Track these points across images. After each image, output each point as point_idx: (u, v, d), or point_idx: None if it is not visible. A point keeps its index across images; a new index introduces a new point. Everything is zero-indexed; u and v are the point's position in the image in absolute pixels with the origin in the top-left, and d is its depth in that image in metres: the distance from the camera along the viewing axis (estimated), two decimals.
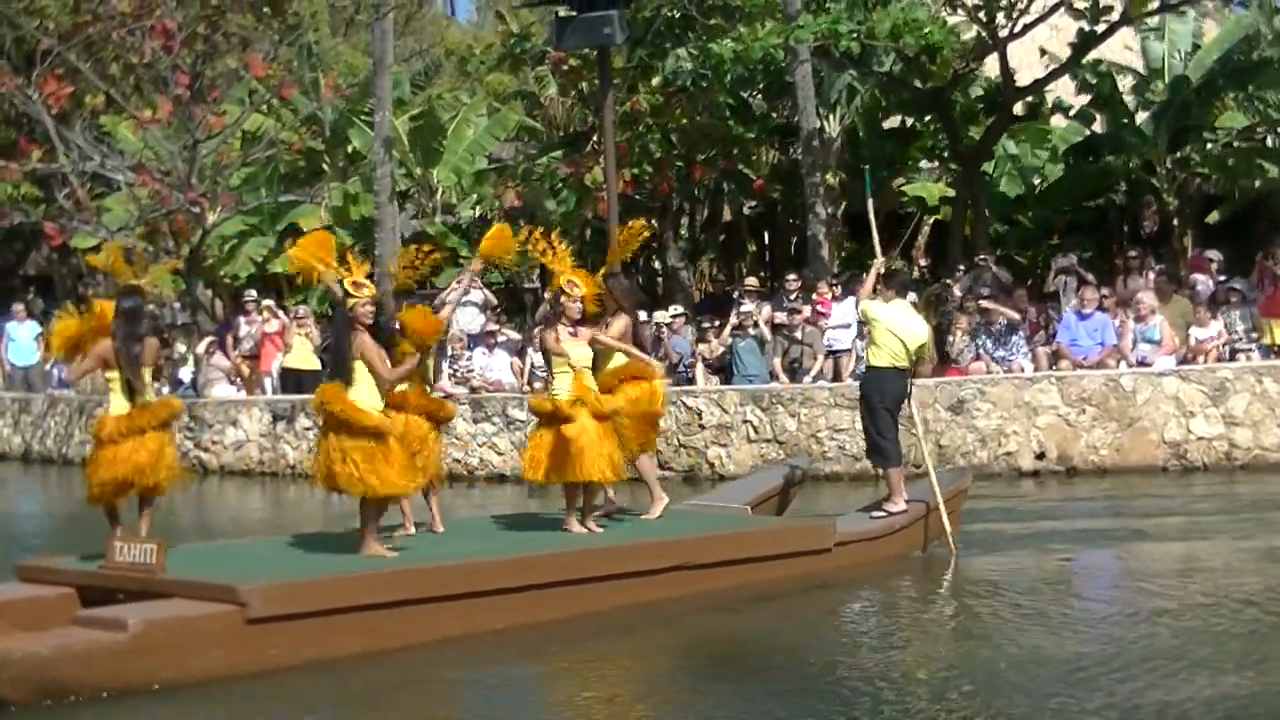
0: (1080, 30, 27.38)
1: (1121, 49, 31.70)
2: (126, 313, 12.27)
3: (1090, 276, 23.91)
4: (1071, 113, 31.36)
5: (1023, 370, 21.64)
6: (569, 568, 12.41)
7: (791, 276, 25.57)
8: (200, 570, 11.40)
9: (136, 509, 12.47)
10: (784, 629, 12.26)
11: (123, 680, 10.07)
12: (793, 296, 24.51)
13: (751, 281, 26.86)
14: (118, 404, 12.22)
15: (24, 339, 29.73)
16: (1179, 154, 30.41)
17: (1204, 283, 23.50)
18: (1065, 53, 28.78)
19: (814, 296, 24.26)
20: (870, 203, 17.46)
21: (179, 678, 10.24)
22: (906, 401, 15.21)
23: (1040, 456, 20.92)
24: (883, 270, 15.53)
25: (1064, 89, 31.28)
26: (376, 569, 11.66)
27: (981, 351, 22.07)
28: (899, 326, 14.84)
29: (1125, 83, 31.53)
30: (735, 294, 26.25)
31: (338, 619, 11.00)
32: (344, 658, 10.86)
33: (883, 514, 14.87)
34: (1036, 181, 31.58)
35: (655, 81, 30.27)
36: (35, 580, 11.87)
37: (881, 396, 14.89)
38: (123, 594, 11.01)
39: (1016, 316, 22.42)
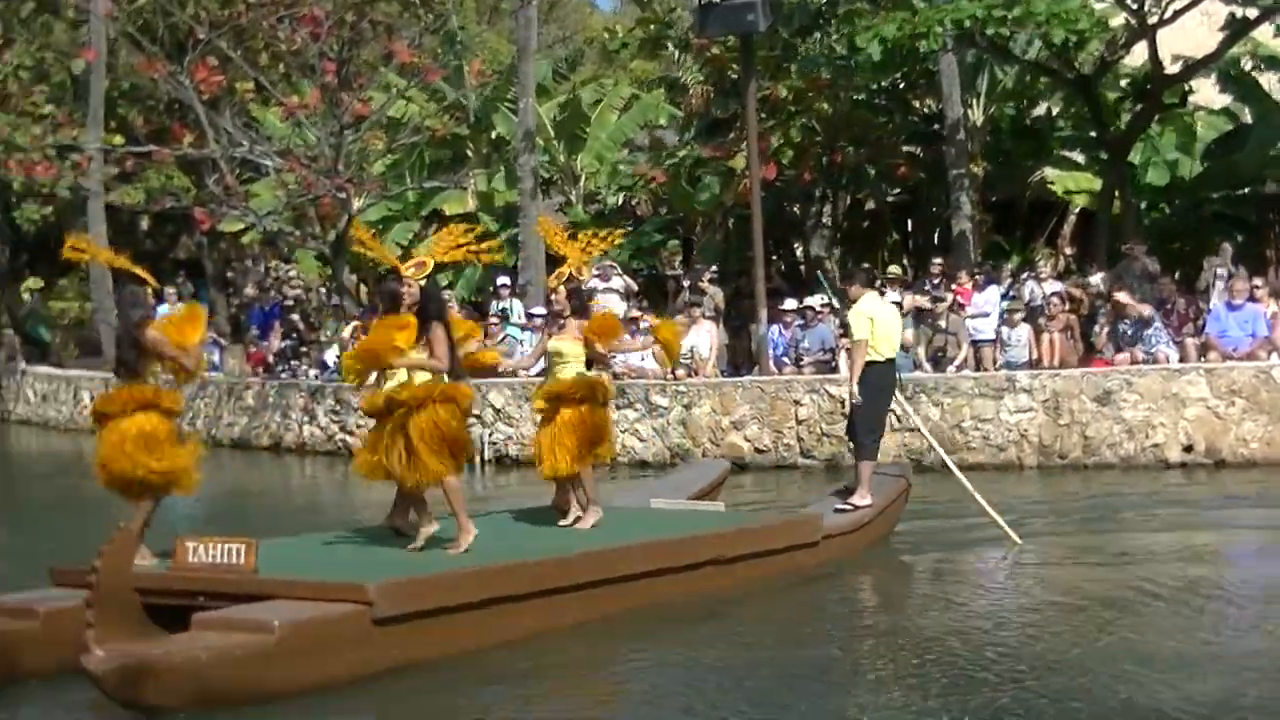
0: (1230, 16, 26.97)
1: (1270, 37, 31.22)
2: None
3: (1240, 268, 23.59)
4: (1218, 106, 31.02)
5: (1167, 360, 21.39)
6: (654, 558, 12.53)
7: (937, 261, 25.46)
8: (282, 568, 11.01)
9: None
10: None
11: (266, 685, 9.75)
12: (935, 283, 24.39)
13: (894, 269, 26.72)
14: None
15: None
16: None
17: None
18: (1215, 39, 28.38)
19: (953, 286, 24.12)
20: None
21: (317, 681, 9.96)
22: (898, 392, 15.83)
23: (1188, 449, 20.66)
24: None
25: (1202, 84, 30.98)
26: (499, 562, 11.59)
27: (1121, 341, 21.85)
28: (888, 319, 15.25)
29: (1269, 78, 31.10)
30: (878, 282, 26.14)
31: (459, 614, 10.90)
32: (464, 653, 10.79)
33: (849, 508, 14.95)
34: (1183, 171, 31.19)
35: (793, 69, 30.20)
36: (78, 585, 10.65)
37: (880, 390, 15.17)
38: (203, 596, 10.49)
39: (1148, 313, 22.11)
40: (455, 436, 11.77)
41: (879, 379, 15.12)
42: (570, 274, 13.87)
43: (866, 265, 23.43)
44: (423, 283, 12.15)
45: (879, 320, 15.06)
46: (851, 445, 15.74)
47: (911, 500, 16.38)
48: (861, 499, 14.99)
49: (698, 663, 10.76)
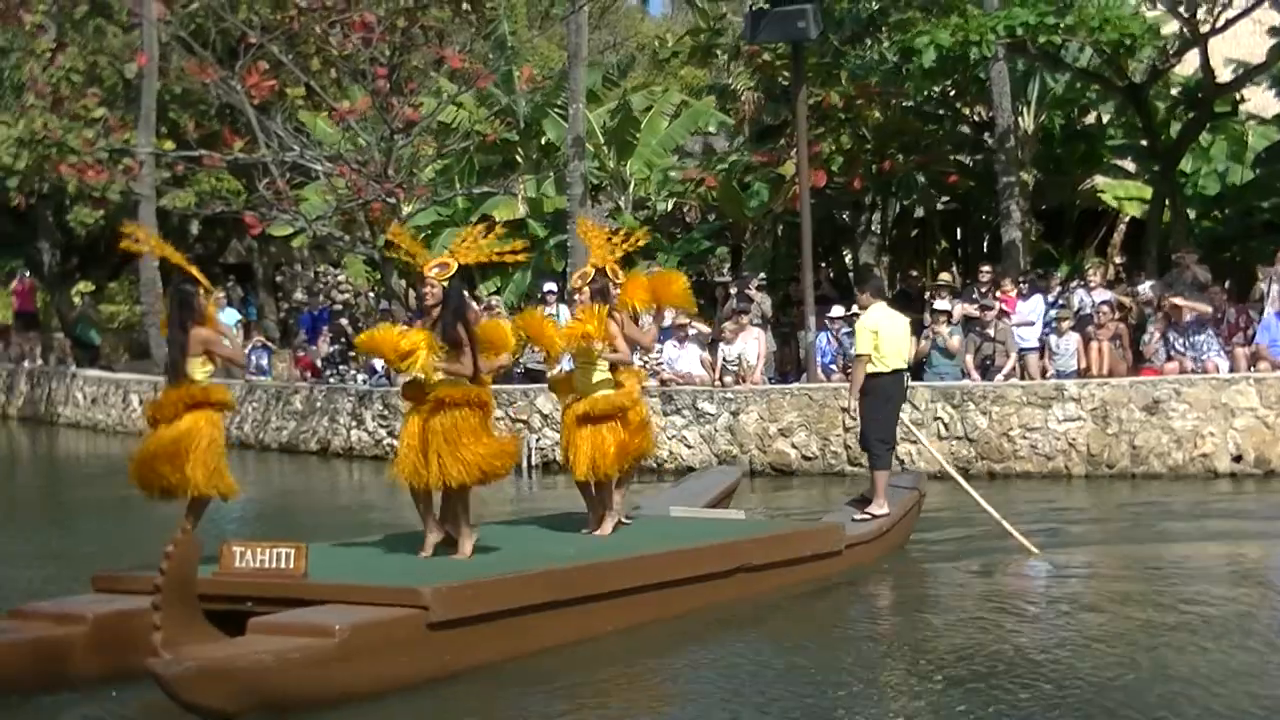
0: None
1: None
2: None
3: None
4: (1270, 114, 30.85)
5: (1217, 369, 21.28)
6: (695, 564, 12.60)
7: (985, 269, 25.39)
8: (331, 572, 10.98)
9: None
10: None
11: (325, 689, 9.74)
12: (984, 290, 24.32)
13: (945, 277, 26.64)
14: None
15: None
16: None
17: None
18: (1267, 45, 28.22)
19: (998, 295, 24.03)
20: None
21: (372, 687, 9.96)
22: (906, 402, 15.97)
23: (1237, 459, 20.55)
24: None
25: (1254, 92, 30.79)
26: (555, 566, 11.63)
27: (1173, 351, 21.74)
28: (895, 331, 15.28)
29: None
30: (927, 294, 26.09)
31: (510, 619, 10.89)
32: (511, 657, 10.80)
33: (867, 516, 15.03)
34: (1234, 180, 31.02)
35: (844, 76, 30.16)
36: (117, 590, 11.09)
37: (889, 400, 15.27)
38: (251, 601, 10.46)
39: (1208, 310, 22.07)
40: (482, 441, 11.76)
41: (886, 390, 15.24)
42: (594, 272, 13.73)
43: (878, 273, 23.54)
44: (446, 284, 12.03)
45: (884, 334, 15.15)
46: (869, 456, 15.74)
47: (947, 508, 16.38)
48: (879, 508, 15.10)
49: (740, 668, 10.78)
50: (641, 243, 14.50)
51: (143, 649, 9.61)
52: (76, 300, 38.66)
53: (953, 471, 17.09)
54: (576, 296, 13.77)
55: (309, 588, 10.53)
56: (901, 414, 15.86)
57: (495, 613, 10.78)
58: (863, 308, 15.55)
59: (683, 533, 13.72)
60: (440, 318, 11.89)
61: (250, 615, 10.16)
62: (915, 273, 31.27)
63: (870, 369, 15.12)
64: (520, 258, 13.08)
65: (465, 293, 12.39)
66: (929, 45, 24.05)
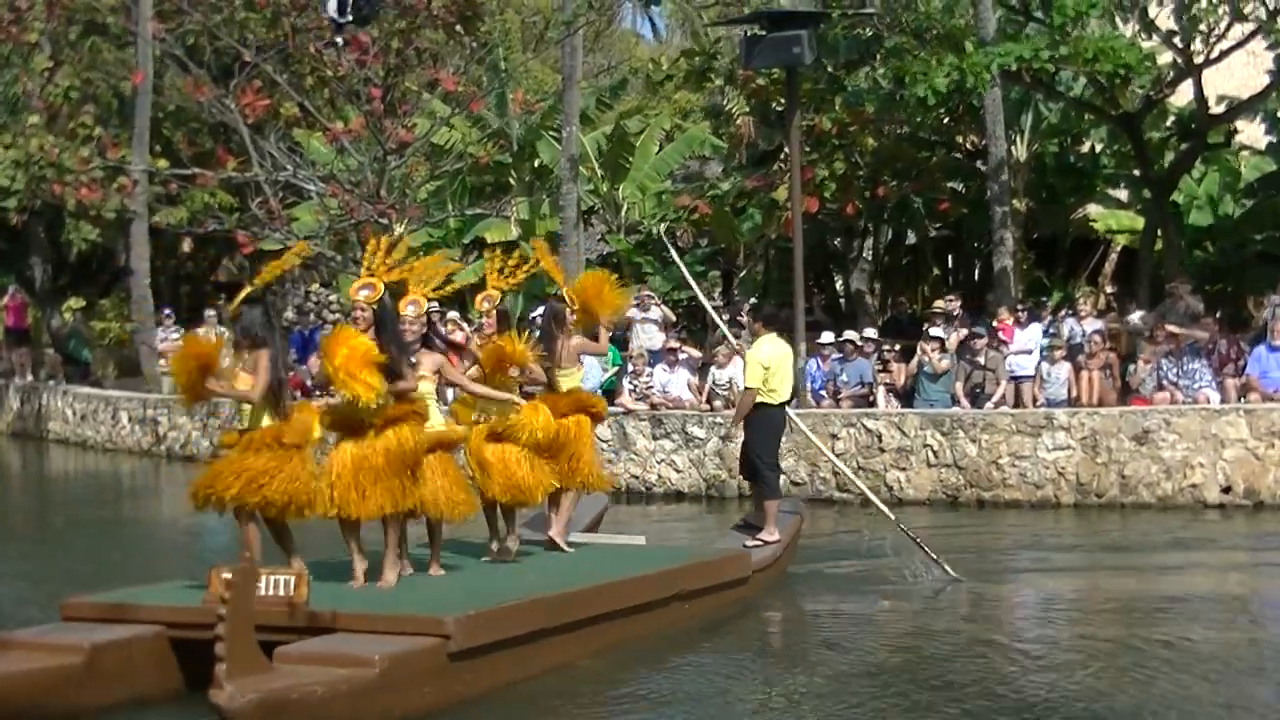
0: (1278, 58, 26.85)
1: None
2: None
3: None
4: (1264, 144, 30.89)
5: (1208, 401, 21.27)
6: (653, 589, 12.94)
7: (990, 297, 25.42)
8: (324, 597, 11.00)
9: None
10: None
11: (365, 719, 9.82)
12: (984, 319, 24.41)
13: (940, 304, 26.61)
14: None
15: None
16: None
17: None
18: (1261, 79, 28.25)
19: (995, 323, 24.05)
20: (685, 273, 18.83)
21: (402, 716, 10.04)
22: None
23: (1226, 490, 20.54)
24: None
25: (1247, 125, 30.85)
26: (573, 588, 11.91)
27: (1165, 381, 21.73)
28: (785, 365, 15.48)
29: None
30: (925, 326, 26.11)
31: (517, 646, 11.05)
32: (512, 683, 10.97)
33: (758, 543, 15.14)
34: (1226, 211, 31.06)
35: (838, 102, 30.17)
36: (91, 619, 11.06)
37: (777, 431, 15.58)
38: (265, 630, 10.15)
39: (1204, 336, 22.11)
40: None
41: (775, 421, 15.50)
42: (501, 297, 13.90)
43: (777, 304, 23.69)
44: (375, 307, 11.91)
45: (774, 369, 15.27)
46: (757, 488, 15.86)
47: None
48: (770, 534, 15.23)
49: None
50: (525, 273, 14.41)
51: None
52: (68, 317, 38.60)
53: (868, 491, 17.73)
54: (484, 321, 13.76)
55: (329, 617, 10.58)
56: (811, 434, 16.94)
57: (503, 640, 10.91)
58: (754, 335, 15.66)
59: (616, 560, 13.83)
60: (381, 345, 11.68)
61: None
62: (904, 299, 31.31)
63: (770, 400, 15.28)
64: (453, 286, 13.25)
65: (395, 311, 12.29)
66: (926, 90, 24.08)
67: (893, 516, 16.50)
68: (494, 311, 13.65)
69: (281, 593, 10.58)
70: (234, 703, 9.15)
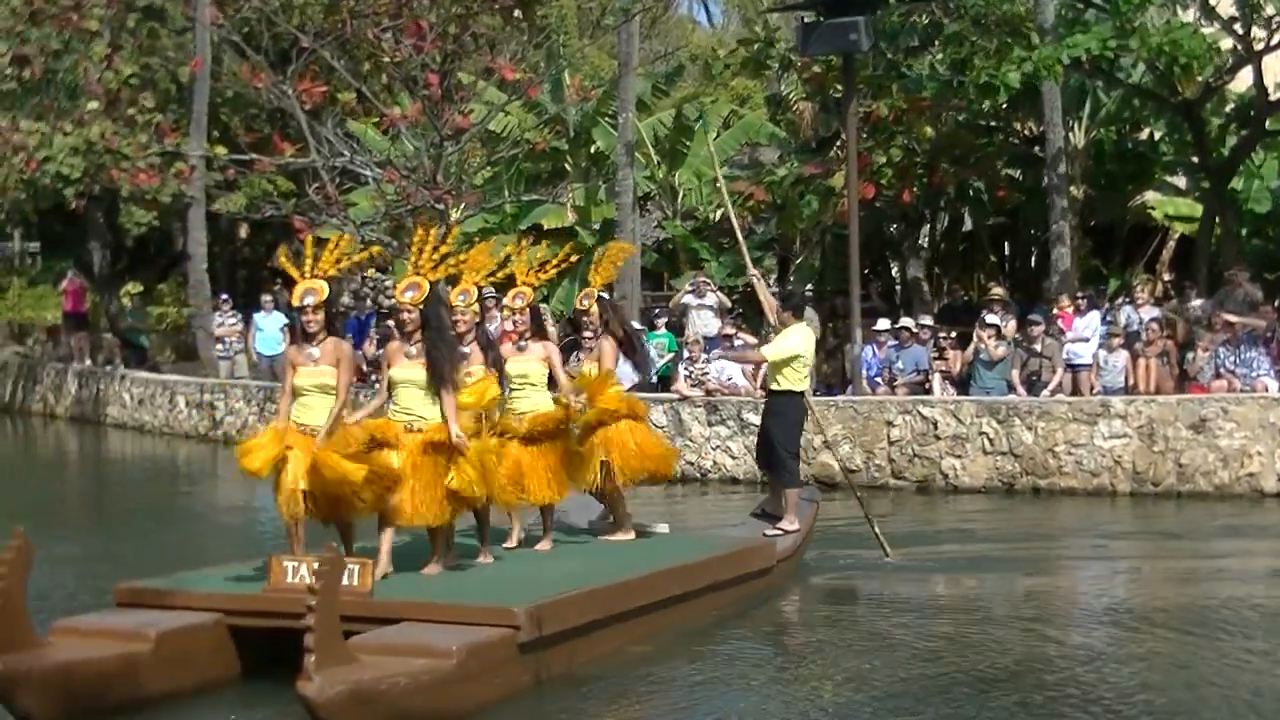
0: None
1: None
2: None
3: None
4: None
5: (1266, 389, 21.13)
6: (703, 575, 13.14)
7: (1047, 285, 25.32)
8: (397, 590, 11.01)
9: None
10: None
11: (442, 712, 9.81)
12: (1044, 307, 24.31)
13: (997, 291, 26.47)
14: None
15: (271, 329, 30.42)
16: None
17: None
18: None
19: (1054, 311, 23.95)
20: (731, 213, 19.28)
21: (474, 707, 10.05)
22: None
23: None
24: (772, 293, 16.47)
25: None
26: (633, 575, 12.02)
27: (1222, 369, 21.59)
28: (810, 355, 15.71)
29: None
30: (981, 312, 26.01)
31: (577, 636, 11.13)
32: (567, 673, 11.02)
33: (779, 532, 15.14)
34: None
35: (895, 89, 30.08)
36: (139, 605, 11.10)
37: (799, 419, 15.56)
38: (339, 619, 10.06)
39: (1262, 324, 21.97)
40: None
41: (797, 409, 15.50)
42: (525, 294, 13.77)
43: (803, 290, 23.70)
44: (421, 307, 11.92)
45: (804, 359, 15.36)
46: (776, 477, 15.82)
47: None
48: (790, 523, 15.23)
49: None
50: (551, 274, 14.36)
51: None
52: (125, 301, 38.79)
53: (845, 474, 18.50)
54: (517, 318, 13.63)
55: (397, 607, 10.60)
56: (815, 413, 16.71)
57: (565, 631, 10.96)
58: (784, 325, 15.63)
59: (653, 548, 13.87)
60: (428, 348, 11.72)
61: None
62: (960, 286, 31.18)
63: (783, 387, 15.30)
64: (524, 272, 13.26)
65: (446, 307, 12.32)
66: (1000, 85, 24.04)
67: (858, 494, 16.90)
68: (526, 309, 13.56)
69: (346, 582, 10.39)
70: (323, 694, 9.09)
